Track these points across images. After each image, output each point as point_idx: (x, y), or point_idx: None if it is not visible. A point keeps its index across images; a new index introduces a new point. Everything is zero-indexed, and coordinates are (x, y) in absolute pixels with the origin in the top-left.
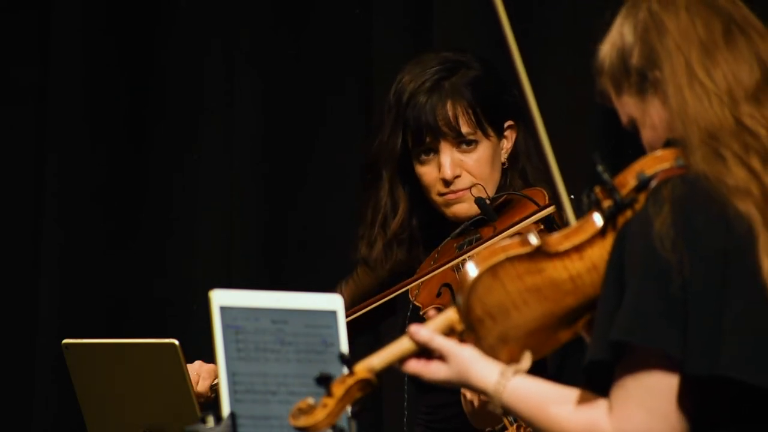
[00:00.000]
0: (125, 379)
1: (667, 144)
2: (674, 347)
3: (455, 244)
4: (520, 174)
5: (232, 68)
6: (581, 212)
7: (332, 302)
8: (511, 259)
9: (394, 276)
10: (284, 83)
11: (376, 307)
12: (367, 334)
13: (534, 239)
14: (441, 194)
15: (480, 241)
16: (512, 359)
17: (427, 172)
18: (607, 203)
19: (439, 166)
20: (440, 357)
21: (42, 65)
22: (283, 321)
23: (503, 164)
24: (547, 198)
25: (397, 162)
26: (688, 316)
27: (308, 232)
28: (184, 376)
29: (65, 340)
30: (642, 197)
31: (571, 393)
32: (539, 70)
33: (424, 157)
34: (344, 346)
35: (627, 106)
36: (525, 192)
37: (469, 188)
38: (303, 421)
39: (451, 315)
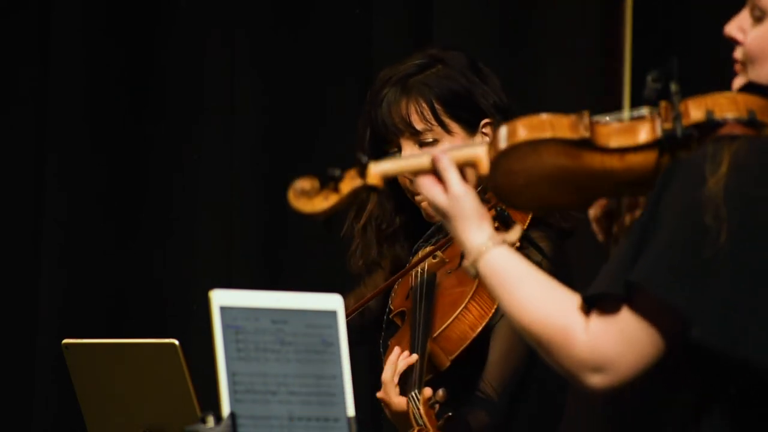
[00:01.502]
0: (125, 379)
1: (749, 88)
2: (689, 309)
3: (428, 248)
4: None
5: (233, 68)
6: (638, 101)
7: (332, 302)
8: (556, 141)
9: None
10: (284, 83)
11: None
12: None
13: (585, 128)
14: (411, 193)
15: (450, 244)
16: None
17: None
18: (666, 125)
19: None
20: (441, 183)
21: (42, 65)
22: (283, 321)
23: None
24: None
25: (370, 153)
26: (713, 284)
27: (308, 231)
28: (184, 376)
29: (65, 340)
30: (703, 138)
31: (553, 286)
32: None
33: (392, 153)
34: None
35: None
36: None
37: None
38: (301, 204)
39: (477, 154)
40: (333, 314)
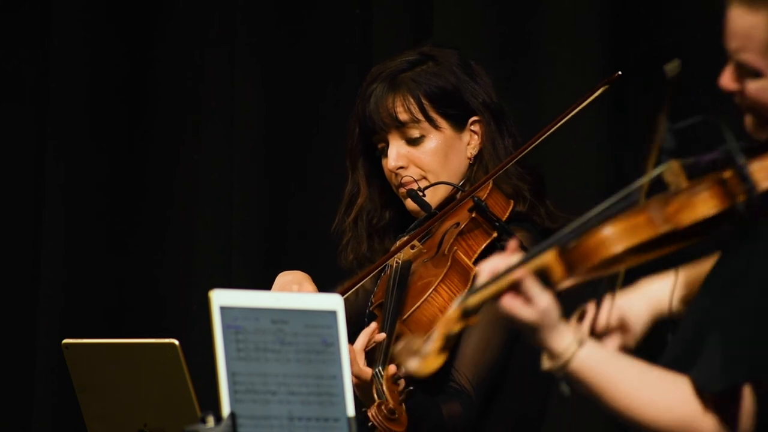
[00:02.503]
0: (125, 379)
1: None
2: None
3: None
4: (485, 171)
5: (233, 68)
6: (665, 150)
7: (332, 302)
8: (643, 242)
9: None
10: (285, 82)
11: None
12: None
13: (662, 222)
14: (396, 186)
15: (426, 237)
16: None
17: (384, 164)
18: (741, 198)
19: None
20: (525, 299)
21: (43, 66)
22: (283, 321)
23: (469, 159)
24: (491, 185)
25: (357, 150)
26: None
27: (308, 231)
28: (184, 376)
29: (65, 340)
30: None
31: (654, 375)
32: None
33: (379, 147)
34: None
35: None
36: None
37: (418, 180)
38: (416, 366)
39: (549, 262)
40: (333, 314)
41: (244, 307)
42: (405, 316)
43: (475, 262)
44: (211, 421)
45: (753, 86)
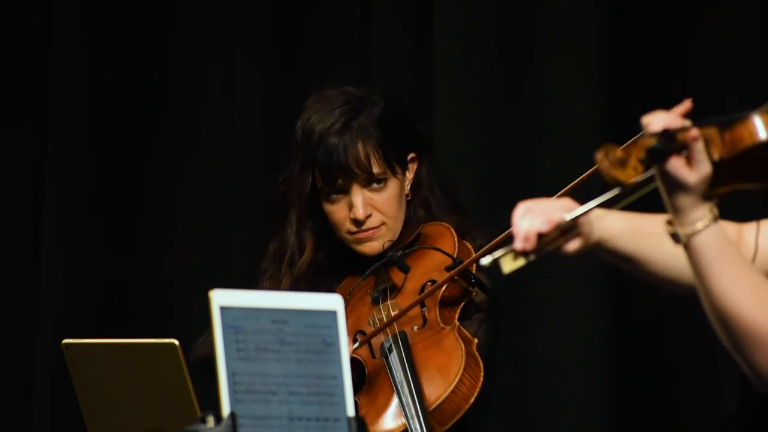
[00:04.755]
0: (125, 379)
1: None
2: None
3: (367, 289)
4: (422, 204)
5: (232, 70)
6: None
7: (332, 302)
8: None
9: None
10: (284, 83)
11: None
12: None
13: None
14: (351, 233)
15: (395, 291)
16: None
17: (337, 210)
18: None
19: (350, 206)
20: (688, 160)
21: (42, 72)
22: (283, 321)
23: (407, 195)
24: (453, 234)
25: (306, 201)
26: None
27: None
28: (184, 376)
29: (65, 340)
30: None
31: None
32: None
33: (334, 196)
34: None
35: None
36: (429, 225)
37: (379, 227)
38: (616, 171)
39: (712, 138)
40: (333, 314)
41: (244, 307)
42: (432, 408)
43: (459, 318)
44: (211, 421)
45: None
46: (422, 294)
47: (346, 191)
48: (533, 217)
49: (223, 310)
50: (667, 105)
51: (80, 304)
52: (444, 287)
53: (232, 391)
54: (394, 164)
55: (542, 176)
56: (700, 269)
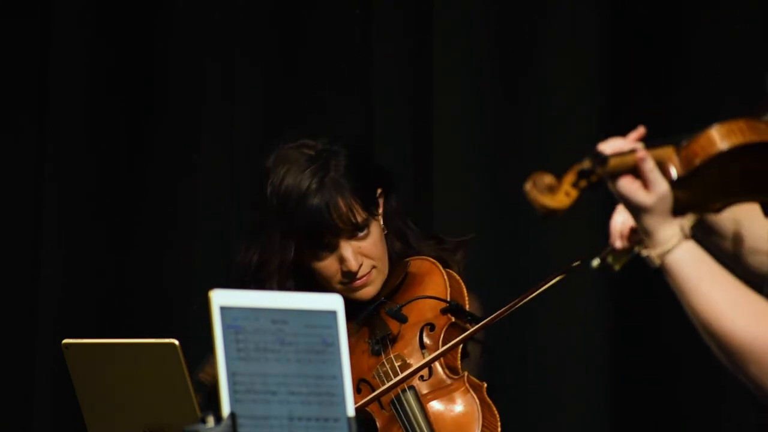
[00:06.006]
0: (125, 379)
1: None
2: None
3: (364, 338)
4: (397, 236)
5: (232, 70)
6: None
7: (332, 302)
8: (763, 145)
9: None
10: (284, 84)
11: None
12: None
13: None
14: (343, 283)
15: (393, 339)
16: (679, 214)
17: (326, 266)
18: None
19: (340, 260)
20: (645, 183)
21: (42, 73)
22: (283, 321)
23: (384, 231)
24: (440, 270)
25: (288, 268)
26: None
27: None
28: (184, 376)
29: (65, 340)
30: None
31: (749, 292)
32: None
33: (321, 254)
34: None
35: None
36: (414, 261)
37: (370, 272)
38: (545, 199)
39: (668, 158)
40: (333, 314)
41: (244, 307)
42: None
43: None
44: (211, 421)
45: None
46: (439, 351)
47: (333, 247)
48: (626, 214)
49: (223, 310)
50: (667, 105)
51: (80, 304)
52: (431, 324)
53: (232, 391)
54: (371, 207)
55: None
56: (678, 288)
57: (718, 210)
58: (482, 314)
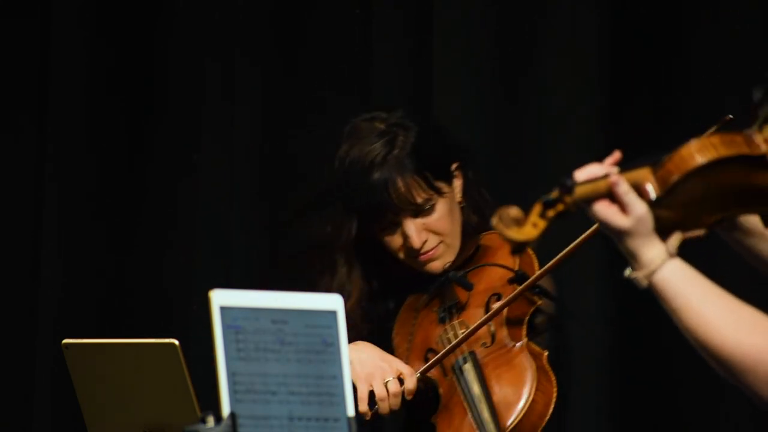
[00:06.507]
0: (125, 379)
1: None
2: None
3: (433, 308)
4: (474, 210)
5: (232, 70)
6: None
7: (332, 302)
8: (740, 157)
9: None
10: (284, 84)
11: None
12: None
13: (760, 143)
14: (411, 257)
15: (461, 308)
16: (664, 234)
17: (392, 240)
18: None
19: (404, 237)
20: (621, 207)
21: (42, 73)
22: (283, 321)
23: (459, 202)
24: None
25: (353, 243)
26: None
27: (307, 231)
28: (184, 376)
29: (65, 340)
30: None
31: (740, 305)
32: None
33: (384, 229)
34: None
35: None
36: (487, 235)
37: (437, 246)
38: (513, 233)
39: (646, 179)
40: (333, 314)
41: (244, 307)
42: (507, 428)
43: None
44: (211, 421)
45: None
46: (489, 313)
47: (396, 224)
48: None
49: (223, 310)
50: (667, 105)
51: (80, 304)
52: (497, 294)
53: (232, 391)
54: (438, 185)
55: (542, 176)
56: (668, 306)
57: (710, 226)
58: (553, 290)
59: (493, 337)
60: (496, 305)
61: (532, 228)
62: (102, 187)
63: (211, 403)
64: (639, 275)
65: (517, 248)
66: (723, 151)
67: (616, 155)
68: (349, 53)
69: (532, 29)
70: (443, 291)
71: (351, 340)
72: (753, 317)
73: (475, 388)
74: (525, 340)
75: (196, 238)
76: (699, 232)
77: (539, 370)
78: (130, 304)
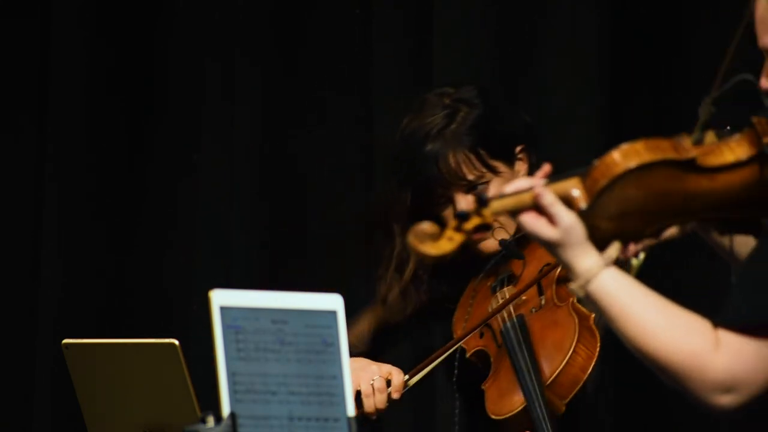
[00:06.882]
0: (125, 379)
1: None
2: None
3: (489, 283)
4: None
5: (232, 70)
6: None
7: (332, 302)
8: (665, 162)
9: (420, 312)
10: (284, 84)
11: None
12: None
13: (689, 148)
14: None
15: (513, 279)
16: (600, 244)
17: (447, 216)
18: (766, 139)
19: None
20: (550, 218)
21: (42, 73)
22: (283, 321)
23: None
24: None
25: (408, 215)
26: None
27: (308, 232)
28: (184, 376)
29: (65, 340)
30: None
31: (673, 309)
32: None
33: (440, 205)
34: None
35: None
36: None
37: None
38: (427, 248)
39: (574, 188)
40: (333, 314)
41: (244, 307)
42: (548, 383)
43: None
44: (211, 421)
45: None
46: (532, 280)
47: (448, 199)
48: None
49: (223, 310)
50: (667, 105)
51: (80, 304)
52: (558, 269)
53: (232, 391)
54: (495, 164)
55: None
56: (606, 315)
57: (655, 234)
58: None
59: (541, 300)
60: (547, 277)
61: (447, 242)
62: (102, 187)
63: (211, 403)
64: (575, 286)
65: (435, 263)
66: (647, 157)
67: (546, 168)
68: (349, 53)
69: (532, 29)
70: (498, 267)
71: (408, 311)
72: (689, 321)
73: (521, 351)
74: (571, 300)
75: (196, 238)
76: (649, 241)
77: (583, 327)
78: (130, 304)
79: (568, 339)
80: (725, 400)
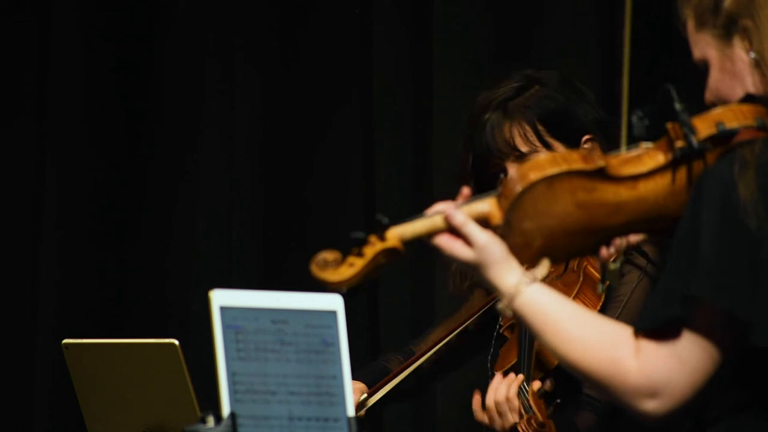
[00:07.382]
0: (125, 379)
1: (747, 99)
2: (746, 312)
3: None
4: None
5: (232, 70)
6: (634, 136)
7: (332, 302)
8: (571, 174)
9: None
10: (284, 84)
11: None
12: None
13: (598, 158)
14: None
15: None
16: (528, 262)
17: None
18: (679, 143)
19: None
20: (465, 240)
21: (41, 71)
22: (283, 321)
23: None
24: None
25: (469, 179)
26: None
27: (308, 232)
28: (184, 376)
29: (65, 340)
30: (716, 150)
31: (594, 319)
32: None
33: (492, 172)
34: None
35: (703, 44)
36: None
37: None
38: (328, 275)
39: (488, 207)
40: (333, 314)
41: (244, 307)
42: None
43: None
44: (211, 421)
45: (709, 80)
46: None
47: (502, 169)
48: None
49: (223, 310)
50: (667, 105)
51: (80, 304)
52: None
53: (232, 391)
54: (552, 142)
55: None
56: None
57: (593, 252)
58: (656, 258)
59: (566, 268)
60: (591, 264)
61: (348, 268)
62: (102, 187)
63: (211, 403)
64: (501, 305)
65: (335, 290)
66: (549, 170)
67: (465, 192)
68: (349, 53)
69: (532, 30)
70: None
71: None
72: (609, 331)
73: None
74: (586, 263)
75: (196, 238)
76: (624, 246)
77: (587, 284)
78: (130, 304)
79: (568, 295)
80: (651, 405)
